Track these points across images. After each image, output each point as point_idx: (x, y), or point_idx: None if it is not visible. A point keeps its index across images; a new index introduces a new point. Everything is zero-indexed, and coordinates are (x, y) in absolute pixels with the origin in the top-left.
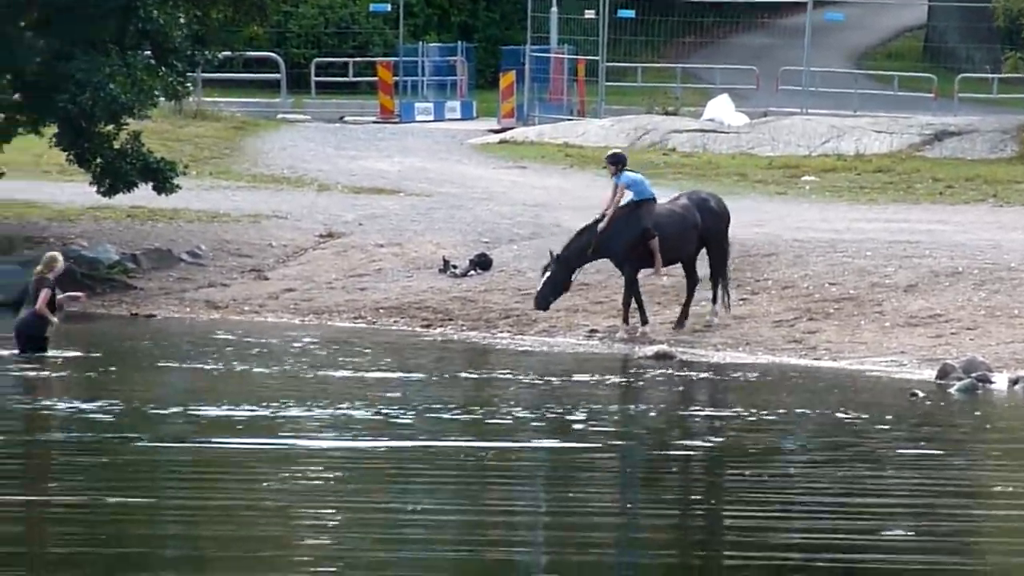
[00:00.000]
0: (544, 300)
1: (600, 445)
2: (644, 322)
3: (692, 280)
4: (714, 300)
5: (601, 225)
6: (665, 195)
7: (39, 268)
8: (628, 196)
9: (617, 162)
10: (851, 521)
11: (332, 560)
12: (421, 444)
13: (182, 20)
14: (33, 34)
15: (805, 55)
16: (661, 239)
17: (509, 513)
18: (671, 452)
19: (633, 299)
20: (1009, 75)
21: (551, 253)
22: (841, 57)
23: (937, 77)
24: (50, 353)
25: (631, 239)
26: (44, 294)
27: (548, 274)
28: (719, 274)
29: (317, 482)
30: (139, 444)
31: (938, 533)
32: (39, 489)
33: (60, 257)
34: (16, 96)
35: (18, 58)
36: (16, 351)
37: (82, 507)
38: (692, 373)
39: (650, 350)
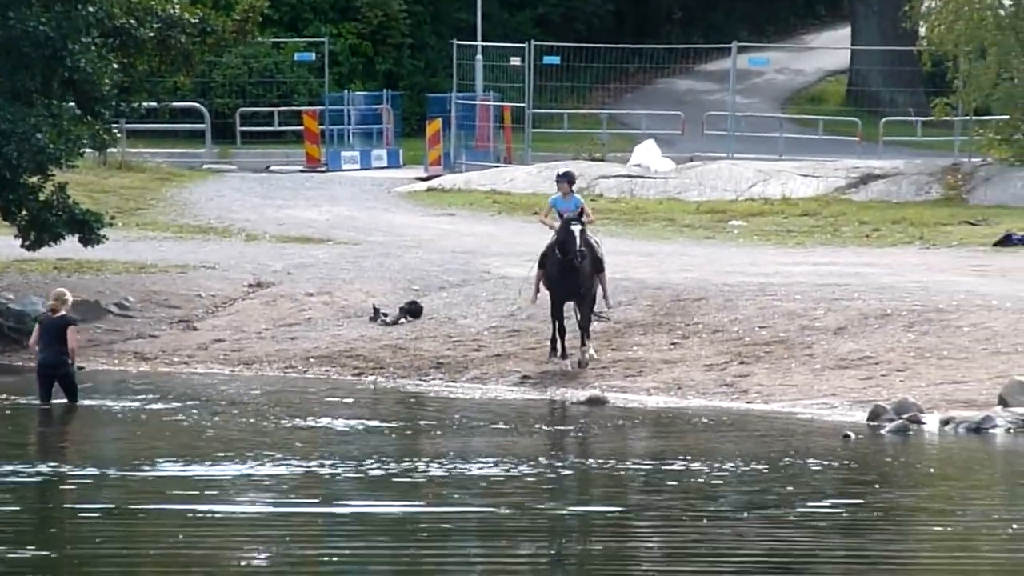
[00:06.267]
0: None
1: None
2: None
3: None
4: None
5: None
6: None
7: (51, 303)
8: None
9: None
10: None
11: None
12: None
13: (115, 67)
14: None
15: (730, 100)
16: None
17: None
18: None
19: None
20: (933, 118)
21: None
22: (766, 102)
23: (861, 121)
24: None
25: None
26: (73, 331)
27: None
28: None
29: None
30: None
31: None
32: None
33: (68, 292)
34: None
35: None
36: (63, 400)
37: None
38: (628, 419)
39: (583, 395)
